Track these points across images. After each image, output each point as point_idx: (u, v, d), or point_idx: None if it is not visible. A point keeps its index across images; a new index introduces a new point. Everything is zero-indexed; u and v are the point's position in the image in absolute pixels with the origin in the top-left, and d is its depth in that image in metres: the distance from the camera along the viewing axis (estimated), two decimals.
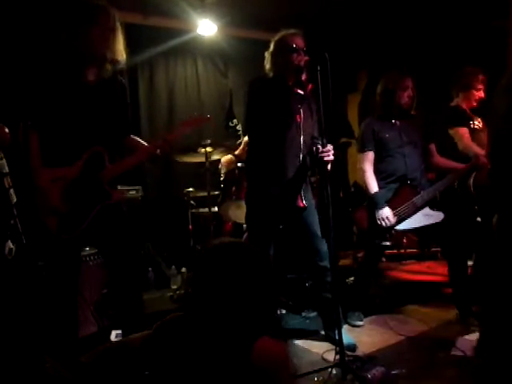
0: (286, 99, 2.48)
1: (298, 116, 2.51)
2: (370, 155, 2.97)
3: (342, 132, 5.52)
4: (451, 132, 3.08)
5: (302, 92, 2.53)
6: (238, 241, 1.16)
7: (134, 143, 2.35)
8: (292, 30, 2.53)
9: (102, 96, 2.15)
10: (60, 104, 2.05)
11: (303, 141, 2.52)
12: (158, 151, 2.22)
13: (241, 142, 4.35)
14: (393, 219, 2.82)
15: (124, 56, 2.17)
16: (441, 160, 3.07)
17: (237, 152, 4.23)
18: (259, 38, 4.60)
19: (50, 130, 2.07)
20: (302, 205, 2.56)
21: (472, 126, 3.07)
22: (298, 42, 2.48)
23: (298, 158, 2.52)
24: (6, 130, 1.72)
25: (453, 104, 3.21)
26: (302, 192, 2.57)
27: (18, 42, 3.55)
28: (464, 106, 3.15)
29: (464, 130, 3.05)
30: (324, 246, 2.54)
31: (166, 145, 2.21)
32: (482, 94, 3.12)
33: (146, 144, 2.31)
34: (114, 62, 2.12)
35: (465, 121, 3.08)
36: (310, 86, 2.49)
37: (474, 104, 3.14)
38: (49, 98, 2.04)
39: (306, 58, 2.40)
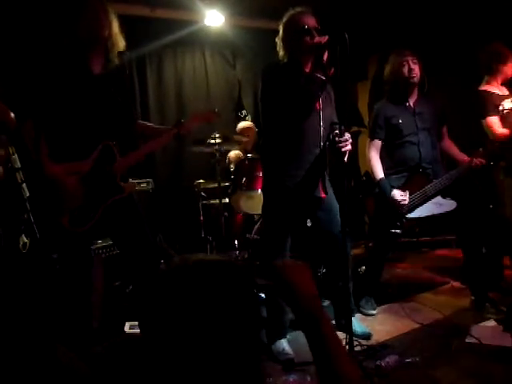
0: (303, 85, 2.26)
1: (317, 103, 2.34)
2: (378, 144, 2.94)
3: (352, 121, 5.46)
4: (482, 122, 3.02)
5: (323, 77, 2.29)
6: (215, 259, 0.85)
7: (144, 127, 2.40)
8: (299, 9, 2.36)
9: (107, 87, 2.15)
10: (68, 98, 2.06)
11: (323, 128, 2.38)
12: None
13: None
14: (406, 197, 2.79)
15: (123, 42, 2.17)
16: (449, 145, 3.02)
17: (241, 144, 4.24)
18: (267, 27, 4.55)
19: (59, 126, 2.07)
20: (323, 195, 2.46)
21: (502, 111, 2.96)
22: (310, 21, 2.30)
23: (318, 147, 2.39)
24: (12, 115, 1.73)
25: (481, 88, 3.11)
26: (324, 182, 2.47)
27: (20, 38, 3.57)
28: (493, 85, 3.05)
29: (491, 121, 2.98)
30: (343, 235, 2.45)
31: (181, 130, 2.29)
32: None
33: (159, 126, 2.40)
34: (119, 53, 2.13)
35: (491, 108, 3.00)
36: (332, 70, 2.25)
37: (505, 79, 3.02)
38: (56, 92, 2.05)
39: (326, 36, 2.19)
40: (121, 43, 2.17)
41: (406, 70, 2.85)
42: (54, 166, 2.02)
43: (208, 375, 0.74)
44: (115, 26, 2.13)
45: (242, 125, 4.44)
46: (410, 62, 2.85)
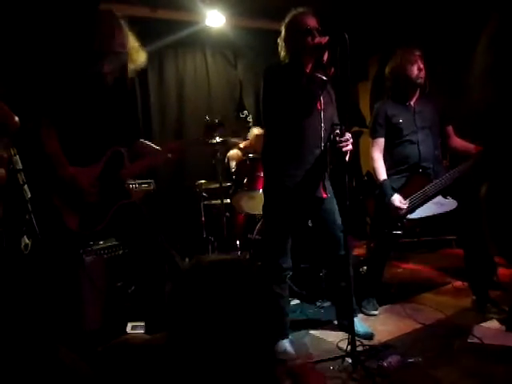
0: (304, 86, 2.26)
1: (318, 103, 2.36)
2: (381, 142, 2.94)
3: (353, 121, 5.46)
4: None
5: (323, 77, 2.30)
6: (231, 258, 0.92)
7: (143, 146, 2.43)
8: (301, 9, 2.37)
9: (118, 99, 2.23)
10: (81, 104, 2.10)
11: (324, 129, 2.39)
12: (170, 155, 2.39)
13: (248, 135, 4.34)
14: (404, 205, 2.79)
15: (143, 56, 2.31)
16: (459, 142, 3.01)
17: (242, 145, 4.23)
18: (268, 27, 4.57)
19: (71, 130, 2.10)
20: (324, 195, 2.47)
21: None
22: (311, 22, 2.31)
23: (319, 147, 2.40)
24: (16, 118, 1.75)
25: None
26: (324, 182, 2.48)
27: (40, 45, 3.59)
28: None
29: None
30: (343, 235, 2.47)
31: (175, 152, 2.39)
32: None
33: (156, 147, 2.42)
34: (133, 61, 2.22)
35: None
36: (332, 70, 2.25)
37: None
38: (71, 98, 2.09)
39: (327, 37, 2.19)
40: (140, 57, 2.28)
41: (415, 68, 2.83)
42: (70, 167, 2.07)
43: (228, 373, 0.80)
44: (132, 42, 2.21)
45: (255, 132, 4.36)
46: (419, 62, 2.84)
